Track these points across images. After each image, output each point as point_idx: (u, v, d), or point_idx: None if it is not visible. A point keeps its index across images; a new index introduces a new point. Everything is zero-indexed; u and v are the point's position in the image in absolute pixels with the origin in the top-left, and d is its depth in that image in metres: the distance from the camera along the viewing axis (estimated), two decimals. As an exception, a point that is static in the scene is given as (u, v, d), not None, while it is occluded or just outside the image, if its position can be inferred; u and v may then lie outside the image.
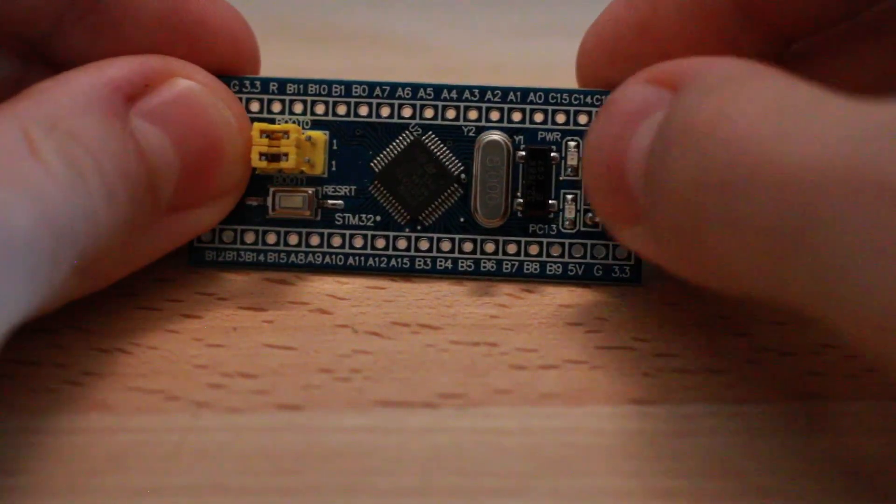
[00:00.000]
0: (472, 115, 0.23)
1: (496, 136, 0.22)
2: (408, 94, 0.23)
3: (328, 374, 0.20)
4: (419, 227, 0.23)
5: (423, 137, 0.23)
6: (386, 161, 0.23)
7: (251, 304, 0.22)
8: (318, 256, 0.23)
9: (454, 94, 0.23)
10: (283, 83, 0.23)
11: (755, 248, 0.16)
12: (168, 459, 0.18)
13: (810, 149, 0.15)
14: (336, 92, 0.23)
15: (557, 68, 0.26)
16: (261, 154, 0.21)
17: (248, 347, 0.21)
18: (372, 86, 0.23)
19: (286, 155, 0.21)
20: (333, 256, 0.23)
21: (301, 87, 0.23)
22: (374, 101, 0.23)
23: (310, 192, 0.23)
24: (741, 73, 0.18)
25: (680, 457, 0.18)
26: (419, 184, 0.23)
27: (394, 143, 0.23)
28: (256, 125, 0.22)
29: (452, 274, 0.23)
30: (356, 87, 0.23)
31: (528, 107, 0.23)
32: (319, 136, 0.22)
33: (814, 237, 0.15)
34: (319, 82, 0.23)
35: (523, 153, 0.22)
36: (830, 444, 0.18)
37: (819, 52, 0.22)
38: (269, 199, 0.23)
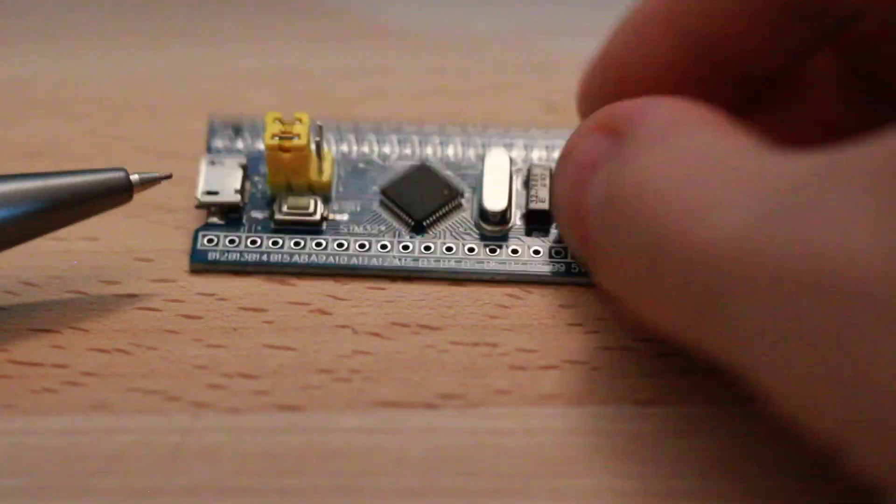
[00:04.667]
0: (474, 152, 0.24)
1: (501, 154, 0.23)
2: (413, 130, 0.24)
3: (328, 375, 0.20)
4: (423, 234, 0.23)
5: (428, 162, 0.24)
6: (391, 180, 0.23)
7: (251, 304, 0.22)
8: (322, 257, 0.23)
9: (458, 129, 0.24)
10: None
11: (678, 311, 0.17)
12: (168, 460, 0.18)
13: (717, 223, 0.16)
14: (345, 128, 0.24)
15: (555, 68, 0.26)
16: (273, 135, 0.22)
17: (248, 348, 0.21)
18: (378, 125, 0.24)
19: (298, 136, 0.22)
20: (337, 257, 0.23)
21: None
22: (379, 137, 0.24)
23: (318, 198, 0.23)
24: (673, 125, 0.18)
25: (680, 457, 0.18)
26: (424, 195, 0.23)
27: (400, 171, 0.24)
28: (270, 113, 0.22)
29: (456, 274, 0.23)
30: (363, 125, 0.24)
31: (529, 142, 0.24)
32: (328, 153, 0.23)
33: (720, 312, 0.16)
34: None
35: (526, 169, 0.23)
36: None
37: (773, 97, 0.22)
38: (276, 204, 0.23)
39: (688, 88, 0.21)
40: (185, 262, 0.23)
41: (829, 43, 0.21)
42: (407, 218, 0.23)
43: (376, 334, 0.21)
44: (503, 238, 0.23)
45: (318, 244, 0.23)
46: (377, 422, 0.19)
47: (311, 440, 0.18)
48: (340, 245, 0.23)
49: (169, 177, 0.21)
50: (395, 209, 0.23)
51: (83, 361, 0.20)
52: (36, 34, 0.33)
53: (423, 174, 0.23)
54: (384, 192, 0.23)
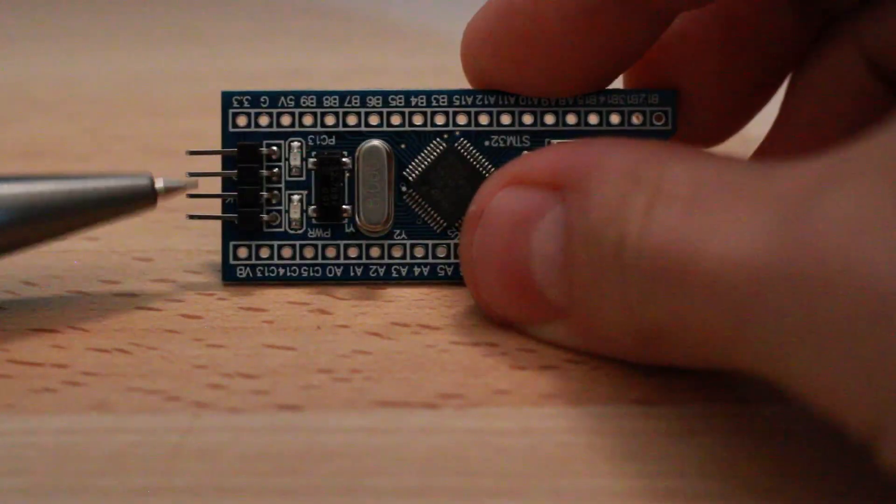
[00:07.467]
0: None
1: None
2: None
3: (328, 375, 0.20)
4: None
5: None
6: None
7: (251, 304, 0.22)
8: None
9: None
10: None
11: (705, 341, 0.17)
12: (168, 460, 0.18)
13: (728, 246, 0.16)
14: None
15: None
16: None
17: (248, 347, 0.21)
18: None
19: None
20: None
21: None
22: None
23: None
24: (642, 170, 0.18)
25: (680, 457, 0.18)
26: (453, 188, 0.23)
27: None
28: None
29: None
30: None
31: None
32: None
33: (748, 330, 0.16)
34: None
35: None
36: (832, 444, 0.18)
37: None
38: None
39: (606, 35, 0.21)
40: (184, 261, 0.23)
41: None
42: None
43: (376, 334, 0.21)
44: None
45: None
46: (377, 422, 0.19)
47: (311, 440, 0.18)
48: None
49: (195, 186, 0.21)
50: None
51: (83, 361, 0.20)
52: (36, 34, 0.33)
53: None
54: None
